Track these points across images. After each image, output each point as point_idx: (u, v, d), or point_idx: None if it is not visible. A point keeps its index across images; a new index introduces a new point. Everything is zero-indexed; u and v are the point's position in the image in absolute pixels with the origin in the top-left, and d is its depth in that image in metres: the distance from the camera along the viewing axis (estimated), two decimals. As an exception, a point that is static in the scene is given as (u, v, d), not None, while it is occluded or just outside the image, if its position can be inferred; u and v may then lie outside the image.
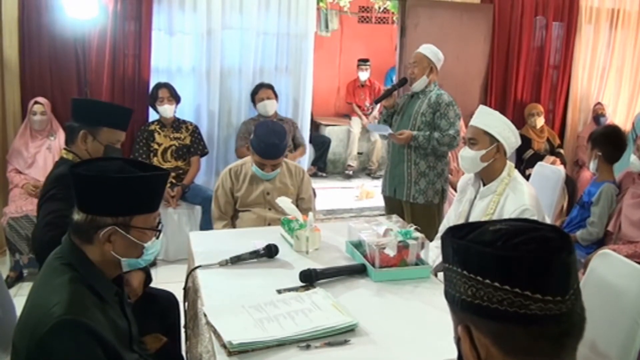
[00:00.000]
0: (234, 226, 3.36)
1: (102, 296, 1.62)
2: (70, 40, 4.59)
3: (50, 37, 4.56)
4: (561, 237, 0.94)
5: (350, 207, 6.19)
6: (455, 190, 4.61)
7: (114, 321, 1.63)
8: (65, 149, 2.67)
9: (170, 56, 5.00)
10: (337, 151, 7.78)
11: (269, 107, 4.94)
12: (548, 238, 0.93)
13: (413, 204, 3.84)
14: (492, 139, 2.67)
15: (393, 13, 8.47)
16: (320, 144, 7.37)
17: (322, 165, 7.48)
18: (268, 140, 3.17)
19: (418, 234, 2.41)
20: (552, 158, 5.69)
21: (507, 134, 2.69)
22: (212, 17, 4.95)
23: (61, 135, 4.55)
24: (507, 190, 2.69)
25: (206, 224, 4.49)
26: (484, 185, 2.79)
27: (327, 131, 7.78)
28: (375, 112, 7.58)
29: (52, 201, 2.44)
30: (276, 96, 5.03)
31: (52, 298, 1.51)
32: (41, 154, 4.50)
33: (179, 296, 2.72)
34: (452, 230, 1.02)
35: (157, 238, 1.71)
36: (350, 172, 7.61)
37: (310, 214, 2.67)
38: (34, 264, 4.20)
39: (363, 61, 7.81)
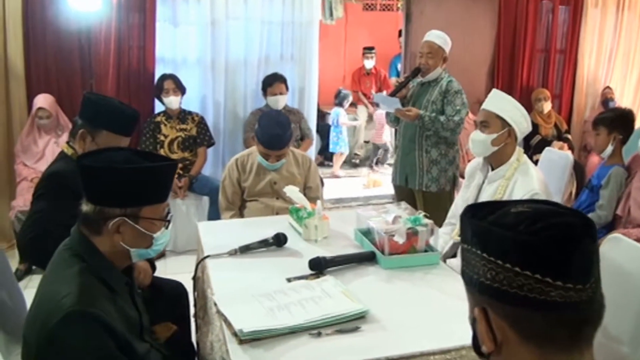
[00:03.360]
0: (241, 216, 3.36)
1: (112, 287, 1.62)
2: (75, 33, 4.58)
3: (54, 30, 4.55)
4: (584, 224, 0.92)
5: (358, 195, 6.18)
6: (463, 177, 4.60)
7: (124, 311, 1.63)
8: (67, 142, 2.65)
9: (175, 47, 4.99)
10: (344, 140, 7.74)
11: (281, 101, 4.91)
12: (571, 224, 0.91)
13: (425, 192, 3.82)
14: (504, 123, 2.66)
15: (397, 0, 8.42)
16: (327, 132, 7.34)
17: (328, 154, 7.46)
18: (272, 131, 3.17)
19: (427, 221, 2.39)
20: (559, 143, 5.65)
21: (519, 118, 2.67)
22: (216, 7, 4.93)
23: (68, 129, 4.56)
24: (516, 175, 2.68)
25: (214, 215, 4.50)
26: (493, 170, 2.78)
27: (333, 120, 7.74)
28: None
29: (39, 200, 2.46)
30: (287, 89, 5.00)
31: (62, 289, 1.51)
32: (49, 148, 4.51)
33: (188, 286, 2.73)
34: (472, 210, 1.00)
35: (167, 228, 1.71)
36: (357, 161, 7.59)
37: (319, 202, 2.66)
38: (43, 256, 4.22)
39: (368, 49, 7.76)
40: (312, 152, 5.44)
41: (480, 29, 5.72)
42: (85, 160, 1.63)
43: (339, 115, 7.10)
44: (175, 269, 4.04)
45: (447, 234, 2.96)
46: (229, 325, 1.79)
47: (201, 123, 4.85)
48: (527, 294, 0.88)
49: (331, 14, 7.77)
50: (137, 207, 1.60)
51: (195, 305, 2.48)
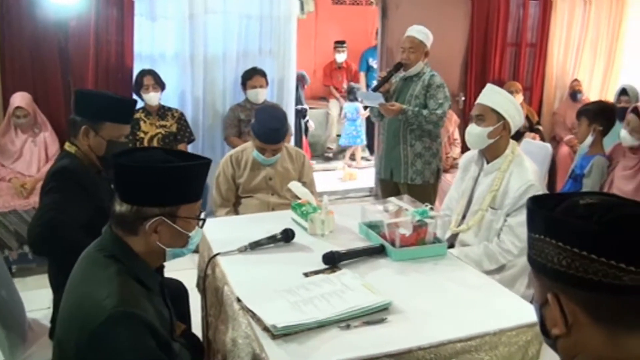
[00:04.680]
0: (236, 213, 3.35)
1: (148, 287, 1.61)
2: (52, 27, 4.45)
3: (31, 24, 4.40)
4: None
5: (336, 189, 6.21)
6: (445, 170, 4.69)
7: (159, 311, 1.63)
8: (68, 141, 2.62)
9: (153, 42, 4.92)
10: (316, 134, 7.75)
11: (261, 95, 4.89)
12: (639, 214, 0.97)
13: (410, 185, 3.89)
14: (499, 116, 2.73)
15: (367, -6, 8.45)
16: (299, 126, 7.33)
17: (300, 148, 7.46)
18: (269, 125, 3.18)
19: (434, 213, 2.45)
20: (531, 134, 5.79)
21: (513, 112, 2.75)
22: (194, 0, 4.87)
23: (45, 127, 4.47)
24: (512, 167, 2.75)
25: (198, 211, 4.45)
26: (488, 162, 2.85)
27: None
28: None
29: (48, 194, 2.45)
30: (267, 83, 4.99)
31: (101, 291, 1.50)
32: (27, 147, 4.40)
33: (186, 284, 2.73)
34: (537, 202, 1.05)
35: (201, 227, 1.71)
36: (330, 155, 7.64)
37: (325, 196, 2.69)
38: (23, 259, 4.15)
39: (340, 43, 7.80)
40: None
41: (454, 23, 5.80)
42: (121, 159, 1.61)
43: (357, 109, 7.14)
44: (169, 266, 3.99)
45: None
46: (257, 321, 1.81)
47: (181, 119, 4.80)
48: (601, 279, 0.93)
49: (302, 8, 7.75)
50: (175, 206, 1.60)
51: (204, 304, 2.47)
